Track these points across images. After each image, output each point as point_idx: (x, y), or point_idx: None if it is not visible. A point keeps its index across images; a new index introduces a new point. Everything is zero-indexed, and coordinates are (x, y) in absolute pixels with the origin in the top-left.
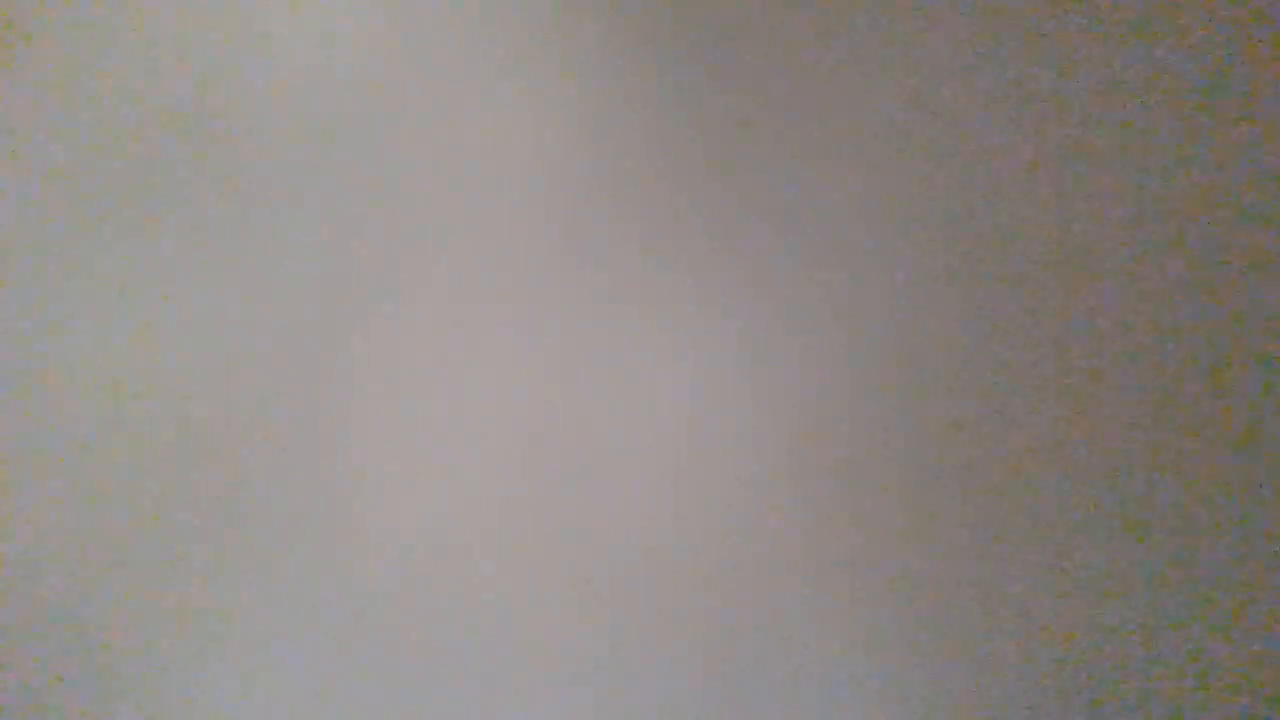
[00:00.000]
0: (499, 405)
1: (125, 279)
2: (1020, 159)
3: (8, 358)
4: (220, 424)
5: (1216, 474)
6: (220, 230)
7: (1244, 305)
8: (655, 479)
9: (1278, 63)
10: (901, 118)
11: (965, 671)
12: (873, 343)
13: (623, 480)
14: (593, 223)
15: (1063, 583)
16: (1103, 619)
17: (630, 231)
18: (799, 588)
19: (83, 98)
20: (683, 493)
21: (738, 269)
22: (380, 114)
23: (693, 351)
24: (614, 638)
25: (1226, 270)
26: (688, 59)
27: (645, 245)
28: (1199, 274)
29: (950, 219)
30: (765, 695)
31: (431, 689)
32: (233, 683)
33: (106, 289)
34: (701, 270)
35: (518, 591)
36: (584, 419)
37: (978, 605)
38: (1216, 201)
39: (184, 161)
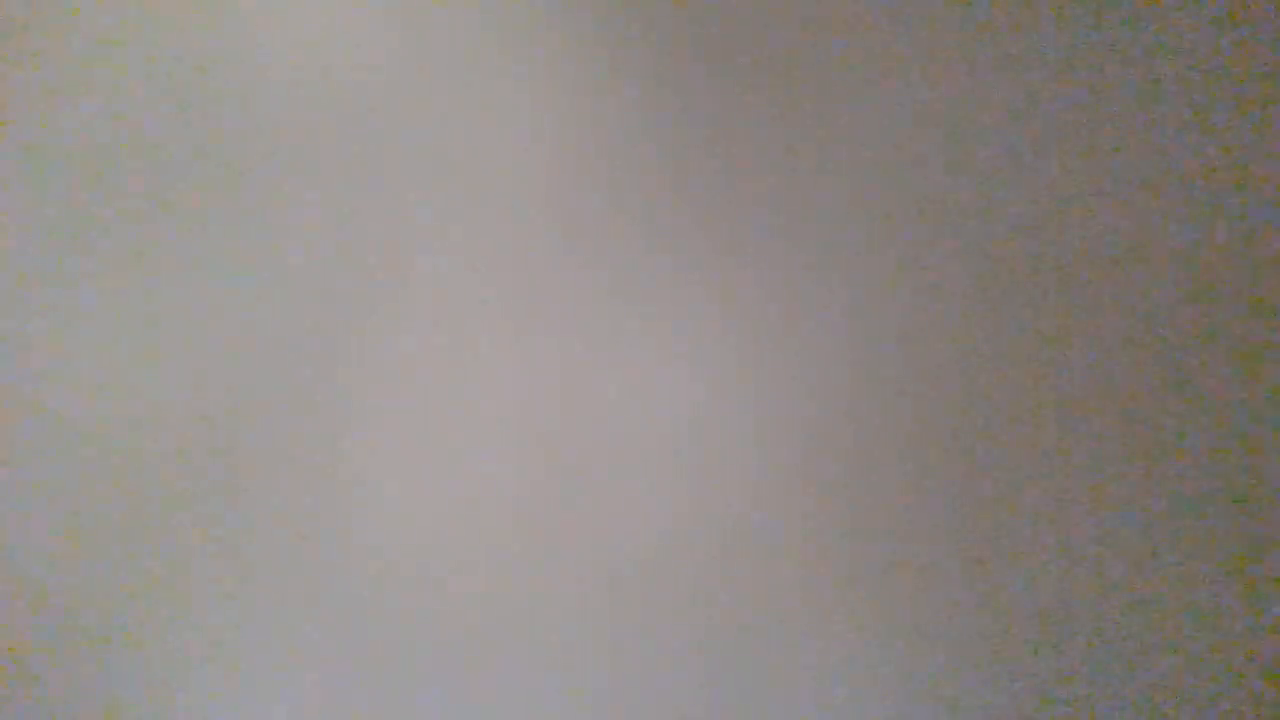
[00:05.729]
0: (501, 405)
1: (125, 280)
2: (1023, 158)
3: (8, 358)
4: (221, 424)
5: (1217, 472)
6: (220, 230)
7: (1244, 304)
8: (658, 478)
9: (1278, 63)
10: (906, 117)
11: (966, 671)
12: (877, 341)
13: (625, 479)
14: (596, 221)
15: (1065, 582)
16: (1105, 618)
17: (633, 230)
18: (802, 586)
19: (83, 98)
20: (686, 492)
21: (741, 268)
22: (381, 113)
23: (696, 350)
24: (616, 637)
25: (1227, 269)
26: (690, 58)
27: (648, 244)
28: (1201, 273)
29: (954, 218)
30: (766, 695)
31: (432, 689)
32: (232, 682)
33: (106, 290)
34: (704, 270)
35: (519, 591)
36: (587, 418)
37: (980, 605)
38: (1218, 201)
39: (183, 161)
